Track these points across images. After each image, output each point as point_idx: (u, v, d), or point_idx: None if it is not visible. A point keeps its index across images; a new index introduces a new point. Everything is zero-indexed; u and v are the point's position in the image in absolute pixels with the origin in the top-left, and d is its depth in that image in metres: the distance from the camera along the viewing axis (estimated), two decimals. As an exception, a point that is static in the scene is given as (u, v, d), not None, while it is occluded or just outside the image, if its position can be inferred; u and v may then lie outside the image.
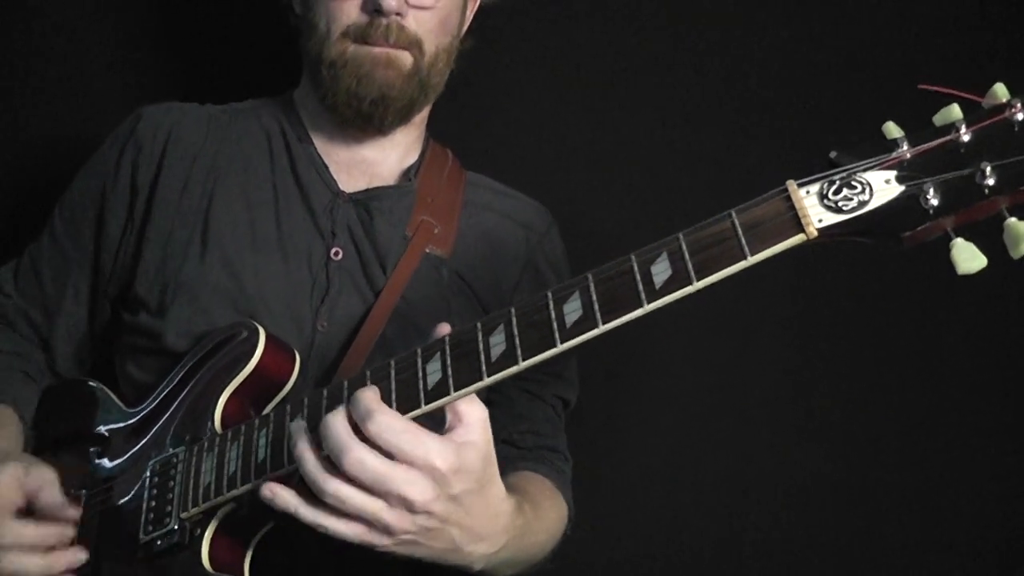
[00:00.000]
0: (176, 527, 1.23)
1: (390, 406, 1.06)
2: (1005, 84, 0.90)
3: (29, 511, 1.28)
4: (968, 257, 0.89)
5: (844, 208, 0.94)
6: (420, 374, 1.08)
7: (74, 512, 1.29)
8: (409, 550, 1.09)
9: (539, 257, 1.59)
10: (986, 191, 0.88)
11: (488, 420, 1.07)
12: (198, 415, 1.32)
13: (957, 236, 0.90)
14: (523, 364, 1.03)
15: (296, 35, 1.56)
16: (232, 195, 1.49)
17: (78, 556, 1.26)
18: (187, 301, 1.41)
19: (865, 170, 0.94)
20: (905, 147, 0.93)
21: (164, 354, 1.41)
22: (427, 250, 1.49)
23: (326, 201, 1.49)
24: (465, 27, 1.62)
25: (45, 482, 1.28)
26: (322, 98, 1.49)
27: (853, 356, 1.93)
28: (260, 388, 1.33)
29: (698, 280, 0.97)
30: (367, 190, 1.52)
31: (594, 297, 1.01)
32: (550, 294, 1.05)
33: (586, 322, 1.01)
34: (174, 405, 1.36)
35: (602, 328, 1.00)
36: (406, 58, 1.45)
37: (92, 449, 1.40)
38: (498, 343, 1.05)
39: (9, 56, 1.92)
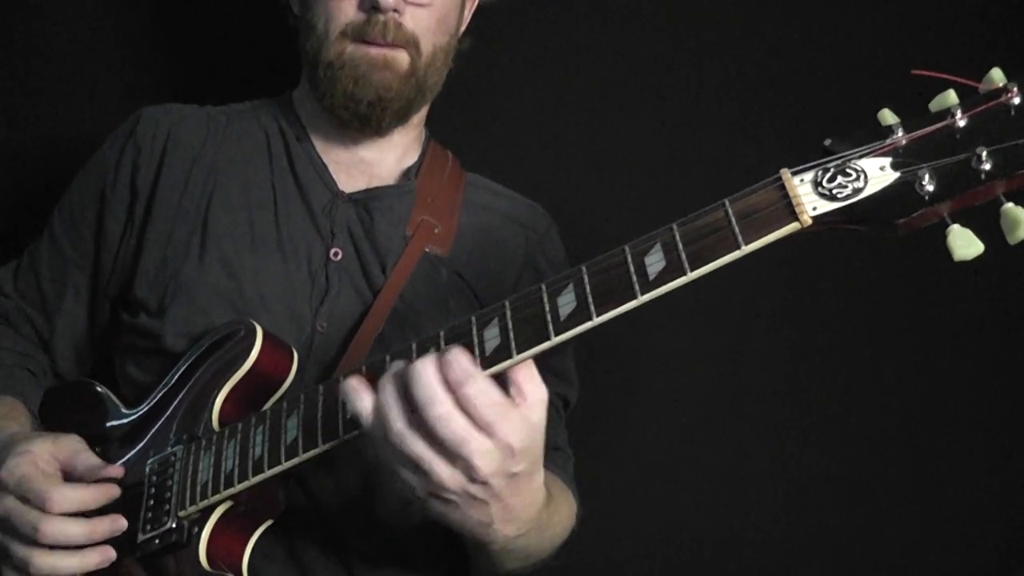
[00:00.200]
0: (174, 526, 1.23)
1: None
2: (1001, 68, 0.90)
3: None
4: (965, 243, 0.89)
5: (839, 196, 0.93)
6: None
7: (117, 471, 1.29)
8: (443, 510, 1.06)
9: (539, 257, 1.59)
10: (983, 176, 0.87)
11: (546, 401, 1.04)
12: (196, 414, 1.32)
13: (954, 222, 0.90)
14: (518, 358, 1.02)
15: (294, 35, 1.56)
16: (231, 196, 1.49)
17: (119, 523, 1.25)
18: (186, 301, 1.41)
19: (860, 157, 0.94)
20: (900, 133, 0.92)
21: (163, 354, 1.41)
22: (427, 249, 1.49)
23: (325, 201, 1.49)
24: (463, 27, 1.62)
25: (77, 448, 1.29)
26: (320, 99, 1.49)
27: (851, 350, 1.93)
28: (257, 386, 1.33)
29: (692, 271, 0.97)
30: (367, 190, 1.52)
31: (588, 289, 1.01)
32: (544, 287, 1.04)
33: (580, 314, 1.00)
34: (173, 404, 1.36)
35: (596, 320, 1.00)
36: (403, 58, 1.45)
37: (93, 449, 1.39)
38: (492, 337, 1.05)
39: (9, 56, 1.93)
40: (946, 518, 1.89)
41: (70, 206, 1.55)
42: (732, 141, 1.94)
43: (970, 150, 0.88)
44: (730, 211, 0.96)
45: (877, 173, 0.92)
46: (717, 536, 1.93)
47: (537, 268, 1.58)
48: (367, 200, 1.50)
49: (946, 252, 0.89)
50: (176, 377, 1.37)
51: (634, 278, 0.99)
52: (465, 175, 1.64)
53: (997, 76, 0.90)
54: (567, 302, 1.02)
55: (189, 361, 1.37)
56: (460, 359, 0.98)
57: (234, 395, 1.32)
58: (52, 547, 1.20)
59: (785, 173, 0.96)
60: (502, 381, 1.01)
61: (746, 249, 0.95)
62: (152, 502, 1.27)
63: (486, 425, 0.98)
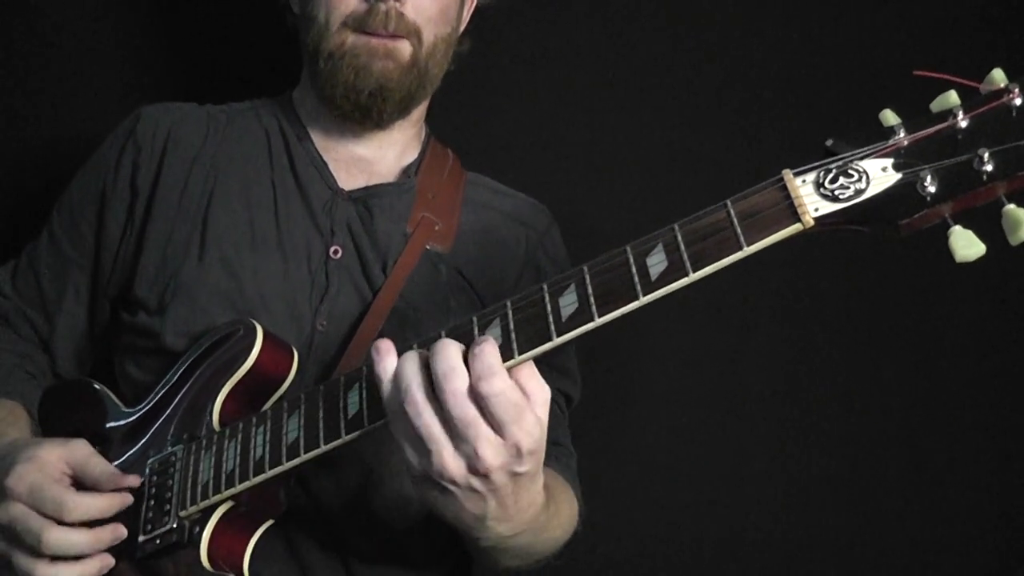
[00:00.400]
0: (175, 526, 1.23)
1: None
2: (1003, 69, 0.90)
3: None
4: (966, 244, 0.88)
5: (841, 197, 0.93)
6: None
7: (134, 479, 1.27)
8: (439, 499, 1.05)
9: (540, 255, 1.59)
10: (984, 177, 0.87)
11: (549, 401, 1.04)
12: (196, 413, 1.31)
13: (955, 223, 0.90)
14: (519, 358, 1.02)
15: (294, 35, 1.56)
16: (231, 194, 1.49)
17: (120, 532, 1.24)
18: (186, 301, 1.41)
19: (862, 158, 0.93)
20: (902, 134, 0.92)
21: (163, 354, 1.40)
22: (427, 246, 1.48)
23: (325, 199, 1.49)
24: (463, 25, 1.61)
25: (88, 453, 1.27)
26: (320, 91, 1.49)
27: (852, 350, 1.93)
28: (258, 386, 1.32)
29: (694, 271, 0.96)
30: (366, 187, 1.52)
31: (590, 290, 1.00)
32: (545, 287, 1.04)
33: (582, 315, 1.00)
34: (172, 404, 1.35)
35: (598, 321, 0.99)
36: (405, 48, 1.45)
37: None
38: (494, 337, 1.04)
39: (9, 56, 1.93)
40: (946, 518, 1.89)
41: (70, 205, 1.54)
42: (734, 141, 1.94)
43: (972, 151, 0.88)
44: (732, 212, 0.96)
45: (879, 174, 0.92)
46: (717, 536, 1.93)
47: (538, 266, 1.58)
48: (367, 197, 1.50)
49: (948, 253, 0.89)
50: (176, 376, 1.37)
51: (636, 279, 0.98)
52: (465, 173, 1.64)
53: (998, 77, 0.90)
54: (569, 302, 1.01)
55: (189, 360, 1.37)
56: (487, 354, 0.98)
57: (234, 394, 1.32)
58: (55, 557, 1.20)
59: (787, 174, 0.96)
60: None
61: (748, 250, 0.94)
62: (152, 502, 1.27)
63: (498, 425, 0.98)
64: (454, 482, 1.01)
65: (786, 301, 1.95)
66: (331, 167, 1.53)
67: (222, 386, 1.31)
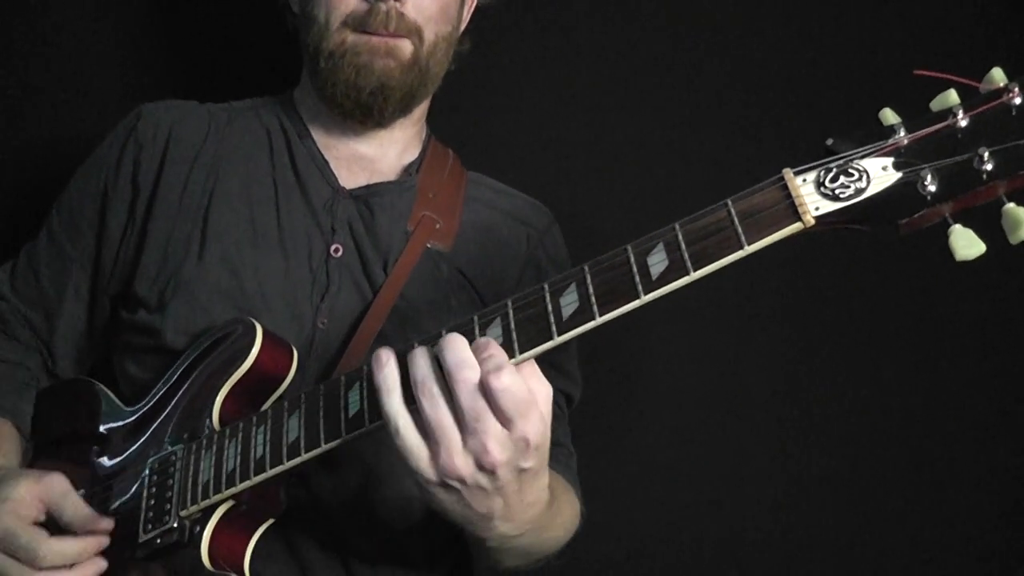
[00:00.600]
0: (175, 525, 1.23)
1: None
2: (1002, 68, 0.90)
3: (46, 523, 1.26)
4: (966, 243, 0.89)
5: (841, 196, 0.93)
6: None
7: (107, 523, 1.26)
8: (446, 501, 1.05)
9: (540, 254, 1.59)
10: (984, 176, 0.87)
11: (551, 398, 1.04)
12: (196, 413, 1.31)
13: (955, 222, 0.90)
14: (520, 357, 1.02)
15: (294, 35, 1.56)
16: (232, 192, 1.49)
17: (99, 565, 1.24)
18: (186, 299, 1.41)
19: (862, 157, 0.93)
20: (902, 133, 0.92)
21: (163, 352, 1.40)
22: (428, 244, 1.48)
23: (326, 197, 1.49)
24: (463, 24, 1.62)
25: (64, 492, 1.26)
26: (321, 90, 1.49)
27: (852, 350, 1.93)
28: (258, 384, 1.32)
29: (695, 270, 0.96)
30: (367, 186, 1.52)
31: (591, 289, 1.01)
32: (546, 286, 1.04)
33: (583, 314, 1.00)
34: (172, 403, 1.35)
35: (599, 320, 0.99)
36: (406, 47, 1.45)
37: (92, 448, 1.39)
38: (495, 336, 1.04)
39: (9, 56, 1.93)
40: (946, 518, 1.89)
41: (69, 204, 1.54)
42: (734, 141, 1.94)
43: (972, 150, 0.88)
44: (733, 211, 0.96)
45: (879, 173, 0.92)
46: (717, 536, 1.93)
47: (538, 265, 1.58)
48: (368, 196, 1.50)
49: (948, 252, 0.89)
50: (176, 375, 1.37)
51: (637, 278, 0.98)
52: (466, 172, 1.64)
53: (998, 76, 0.90)
54: (570, 302, 1.01)
55: (189, 359, 1.36)
56: (495, 353, 0.98)
57: (234, 394, 1.31)
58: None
59: (788, 173, 0.96)
60: None
61: (749, 249, 0.95)
62: (153, 501, 1.26)
63: (505, 419, 0.98)
64: (462, 480, 1.01)
65: (786, 301, 1.96)
66: (332, 165, 1.53)
67: (222, 385, 1.31)
